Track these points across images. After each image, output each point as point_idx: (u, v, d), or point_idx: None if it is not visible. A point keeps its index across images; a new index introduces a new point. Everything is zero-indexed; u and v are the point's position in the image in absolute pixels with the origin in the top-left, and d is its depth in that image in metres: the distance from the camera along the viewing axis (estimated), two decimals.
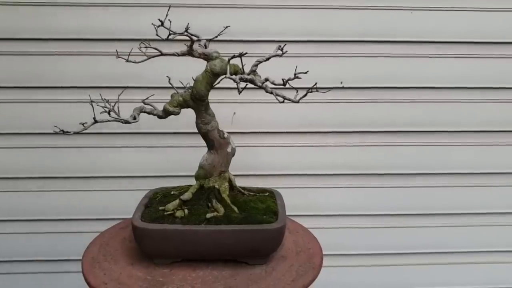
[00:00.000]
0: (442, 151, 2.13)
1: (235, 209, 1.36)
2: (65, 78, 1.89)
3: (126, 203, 1.93)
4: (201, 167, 1.40)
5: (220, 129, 1.40)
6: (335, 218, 2.13)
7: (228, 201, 1.38)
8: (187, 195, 1.37)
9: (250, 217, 1.31)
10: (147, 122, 1.80)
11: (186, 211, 1.33)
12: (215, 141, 1.38)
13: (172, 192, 1.45)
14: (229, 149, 1.41)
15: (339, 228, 2.14)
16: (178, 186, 1.53)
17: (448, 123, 2.08)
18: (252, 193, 1.48)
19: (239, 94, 1.15)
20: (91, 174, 1.99)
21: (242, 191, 1.47)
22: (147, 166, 1.99)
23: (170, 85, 1.37)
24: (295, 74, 1.19)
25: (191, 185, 1.49)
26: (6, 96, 1.89)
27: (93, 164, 1.97)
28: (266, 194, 1.48)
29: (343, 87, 2.05)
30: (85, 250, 1.43)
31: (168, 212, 1.33)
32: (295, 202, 1.76)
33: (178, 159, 1.99)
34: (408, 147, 2.14)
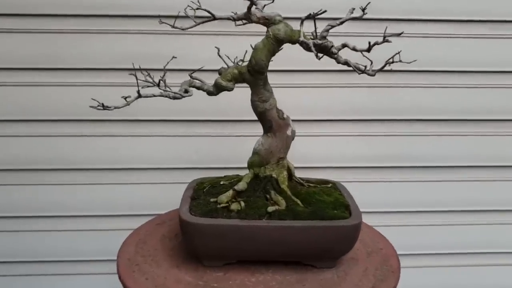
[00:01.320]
0: (499, 141, 1.92)
1: (299, 202, 1.15)
2: (87, 58, 1.68)
3: (156, 198, 1.73)
4: (255, 152, 1.19)
5: (279, 109, 1.20)
6: (391, 215, 1.93)
7: (289, 193, 1.18)
8: (241, 185, 1.16)
9: (319, 212, 1.11)
10: (179, 107, 1.60)
11: (242, 203, 1.12)
12: (273, 122, 1.18)
13: (221, 182, 1.24)
14: (289, 132, 1.20)
15: (400, 226, 1.93)
16: (224, 176, 1.32)
17: (505, 111, 1.88)
18: (312, 184, 1.27)
19: (319, 59, 0.94)
20: (115, 166, 1.78)
21: (301, 181, 1.26)
22: (179, 157, 1.78)
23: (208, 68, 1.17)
24: (384, 38, 0.99)
25: (239, 175, 1.29)
26: (24, 79, 1.67)
27: (117, 154, 1.76)
28: (329, 185, 1.27)
29: (391, 70, 1.85)
30: (119, 249, 1.23)
31: (222, 205, 1.12)
32: None
33: (217, 148, 1.78)
34: (461, 137, 1.93)
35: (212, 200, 1.15)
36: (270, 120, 1.18)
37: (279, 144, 1.19)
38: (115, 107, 1.01)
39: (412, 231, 1.95)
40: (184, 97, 1.07)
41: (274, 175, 1.20)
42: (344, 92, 1.81)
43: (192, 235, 1.08)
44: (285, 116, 1.20)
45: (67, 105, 1.70)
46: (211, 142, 1.81)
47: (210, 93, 1.16)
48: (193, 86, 1.13)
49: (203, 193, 1.22)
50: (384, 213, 1.94)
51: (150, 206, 1.76)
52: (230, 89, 1.14)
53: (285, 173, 1.22)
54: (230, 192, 1.16)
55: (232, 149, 1.81)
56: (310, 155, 1.87)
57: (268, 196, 1.16)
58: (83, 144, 1.74)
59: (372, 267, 1.15)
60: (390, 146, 1.88)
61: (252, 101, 1.18)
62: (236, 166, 1.51)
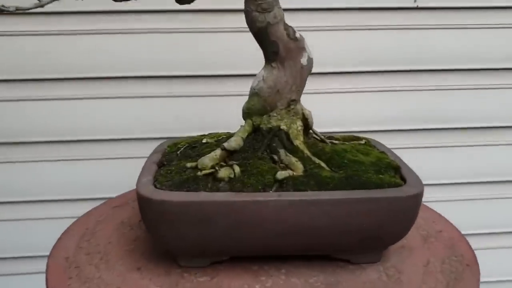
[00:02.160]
0: None
1: (323, 164, 0.74)
2: None
3: (123, 176, 1.31)
4: (255, 93, 0.78)
5: (289, 25, 0.78)
6: (441, 187, 1.53)
7: (307, 152, 0.77)
8: (234, 142, 0.75)
9: (356, 177, 0.70)
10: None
11: (237, 168, 0.71)
12: (279, 44, 0.76)
13: (204, 140, 0.83)
14: (303, 60, 0.79)
15: (454, 201, 1.54)
16: (208, 134, 0.91)
17: None
18: (337, 142, 0.86)
19: None
20: (66, 137, 1.36)
21: (322, 137, 0.85)
22: (154, 124, 1.35)
23: None
24: None
25: (229, 132, 0.88)
26: None
27: (68, 122, 1.34)
28: (362, 141, 0.87)
29: (417, 7, 1.44)
30: (54, 245, 0.82)
31: (205, 171, 0.71)
32: None
33: (202, 112, 1.36)
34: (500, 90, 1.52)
35: (189, 165, 0.74)
36: (274, 41, 0.77)
37: (290, 79, 0.78)
38: (17, 8, 0.59)
39: (468, 206, 1.54)
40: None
41: (283, 127, 0.79)
42: (358, 35, 1.40)
43: (158, 220, 0.68)
44: (297, 35, 0.78)
45: None
46: (194, 104, 1.38)
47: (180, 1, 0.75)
48: None
49: (176, 157, 0.80)
50: (432, 186, 1.53)
51: (113, 188, 1.34)
52: None
53: (299, 123, 0.81)
54: (218, 152, 0.75)
55: (222, 112, 1.38)
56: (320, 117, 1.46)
57: (275, 158, 0.75)
58: (10, 110, 1.31)
59: (435, 259, 0.76)
60: (422, 103, 1.48)
61: (247, 12, 0.76)
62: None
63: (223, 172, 0.71)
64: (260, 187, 0.69)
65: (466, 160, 1.51)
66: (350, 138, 0.90)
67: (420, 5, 1.44)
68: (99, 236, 0.84)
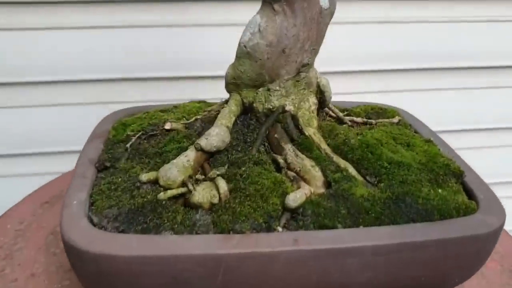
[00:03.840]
0: None
1: (351, 169, 0.48)
2: None
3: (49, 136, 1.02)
4: (245, 54, 0.49)
5: None
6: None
7: (325, 147, 0.50)
8: (216, 138, 0.47)
9: (409, 199, 0.45)
10: None
11: (223, 185, 0.43)
12: None
13: (167, 124, 0.54)
14: (322, 0, 0.49)
15: None
16: (174, 106, 0.62)
17: None
18: (360, 119, 0.59)
19: None
20: None
21: (338, 113, 0.58)
22: (96, 62, 1.01)
23: None
24: None
25: (206, 102, 0.60)
26: None
27: None
28: (395, 120, 0.60)
29: None
30: None
31: (172, 193, 0.44)
32: None
33: (170, 50, 1.02)
34: None
35: (145, 178, 0.46)
36: None
37: (302, 30, 0.49)
38: None
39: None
40: None
41: (289, 108, 0.51)
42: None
43: (97, 281, 0.41)
44: None
45: None
46: (157, 38, 1.03)
47: None
48: None
49: (125, 152, 0.52)
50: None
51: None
52: None
53: (312, 100, 0.53)
54: (191, 154, 0.47)
55: (196, 50, 1.04)
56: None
57: (279, 159, 0.48)
58: None
59: None
60: (428, 38, 1.18)
61: None
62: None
63: (202, 194, 0.44)
64: (261, 222, 0.42)
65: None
66: (375, 111, 0.64)
67: None
68: (18, 261, 0.58)
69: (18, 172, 1.04)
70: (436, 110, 1.15)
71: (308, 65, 0.52)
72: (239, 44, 0.51)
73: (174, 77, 1.02)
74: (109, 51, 0.98)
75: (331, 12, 0.51)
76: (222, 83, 1.00)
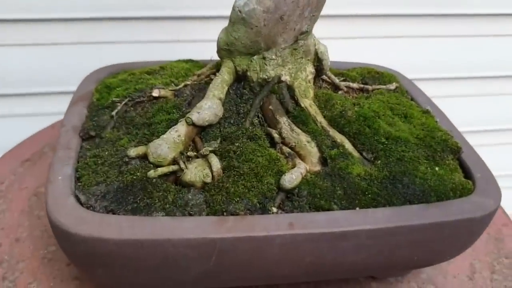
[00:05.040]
0: None
1: (347, 145, 0.47)
2: None
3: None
4: (240, 19, 0.46)
5: None
6: None
7: (321, 119, 0.49)
8: (208, 112, 0.45)
9: (407, 179, 0.44)
10: None
11: (215, 162, 0.42)
12: None
13: (155, 92, 0.51)
14: None
15: None
16: (160, 67, 0.59)
17: None
18: (356, 85, 0.57)
19: None
20: None
21: (335, 80, 0.56)
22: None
23: None
24: None
25: (195, 61, 0.57)
26: None
27: None
28: (392, 87, 0.58)
29: None
30: None
31: (162, 170, 0.42)
32: None
33: None
34: None
35: (133, 153, 0.44)
36: None
37: None
38: None
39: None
40: None
41: (285, 78, 0.48)
42: None
43: (89, 263, 0.40)
44: None
45: None
46: None
47: None
48: None
49: (110, 120, 0.49)
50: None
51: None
52: None
53: (309, 69, 0.51)
54: (182, 129, 0.44)
55: None
56: None
57: (274, 133, 0.47)
58: None
59: (482, 264, 0.55)
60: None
61: None
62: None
63: (194, 173, 0.42)
64: (256, 202, 0.41)
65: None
66: (372, 75, 0.62)
67: None
68: (2, 225, 0.56)
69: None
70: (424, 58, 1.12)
71: (307, 33, 0.49)
72: (233, 8, 0.47)
73: (157, 17, 0.96)
74: None
75: None
76: (207, 25, 0.96)
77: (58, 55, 0.96)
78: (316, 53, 0.51)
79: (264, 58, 0.49)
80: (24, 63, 0.95)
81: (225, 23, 0.50)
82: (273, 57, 0.49)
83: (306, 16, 0.47)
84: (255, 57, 0.49)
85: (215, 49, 0.51)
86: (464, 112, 1.18)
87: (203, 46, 0.86)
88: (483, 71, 1.16)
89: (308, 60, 0.51)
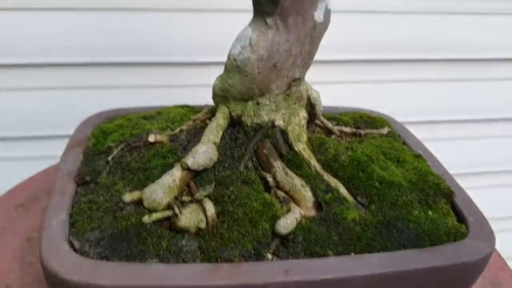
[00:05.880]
0: None
1: (342, 190, 0.47)
2: None
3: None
4: (235, 67, 0.47)
5: None
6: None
7: (315, 163, 0.49)
8: (203, 156, 0.46)
9: (400, 224, 0.44)
10: None
11: (210, 207, 0.42)
12: None
13: (151, 138, 0.52)
14: (318, 14, 0.47)
15: None
16: (156, 112, 0.60)
17: None
18: (349, 130, 0.58)
19: None
20: None
21: (329, 125, 0.57)
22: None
23: None
24: None
25: (191, 107, 0.58)
26: None
27: None
28: (384, 131, 0.59)
29: None
30: None
31: (156, 216, 0.42)
32: None
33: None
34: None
35: (128, 198, 0.44)
36: None
37: (295, 45, 0.47)
38: None
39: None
40: None
41: (279, 123, 0.49)
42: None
43: None
44: None
45: None
46: (137, 22, 0.98)
47: None
48: None
49: (106, 166, 0.50)
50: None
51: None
52: None
53: (302, 114, 0.52)
54: (177, 173, 0.45)
55: (176, 35, 1.00)
56: None
57: (268, 178, 0.47)
58: None
59: None
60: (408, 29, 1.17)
61: None
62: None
63: (188, 218, 0.42)
64: (251, 248, 0.41)
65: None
66: (364, 119, 0.63)
67: None
68: None
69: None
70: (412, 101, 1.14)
71: (300, 79, 0.50)
72: (228, 57, 0.48)
73: (154, 62, 0.98)
74: (86, 33, 0.93)
75: (325, 26, 0.49)
76: (201, 70, 0.98)
77: (53, 99, 0.97)
78: (308, 99, 0.52)
79: (258, 103, 0.50)
80: (18, 107, 0.97)
81: (219, 68, 0.51)
82: (267, 102, 0.50)
83: (299, 64, 0.49)
84: (249, 102, 0.50)
85: (210, 94, 0.52)
86: (455, 155, 1.19)
87: (198, 90, 0.88)
88: (472, 114, 1.18)
89: (301, 105, 0.52)
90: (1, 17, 0.88)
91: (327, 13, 0.48)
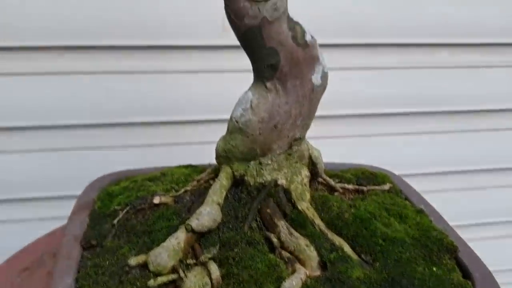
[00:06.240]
0: None
1: (346, 248, 0.47)
2: None
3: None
4: (237, 129, 0.49)
5: (295, 20, 0.48)
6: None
7: (319, 222, 0.50)
8: (207, 217, 0.46)
9: (405, 282, 0.44)
10: None
11: (215, 270, 0.42)
12: (281, 53, 0.46)
13: (155, 198, 0.52)
14: (316, 77, 0.49)
15: None
16: (161, 173, 0.61)
17: None
18: (351, 186, 0.59)
19: None
20: None
21: (331, 183, 0.58)
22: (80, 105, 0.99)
23: None
24: None
25: (194, 166, 0.59)
26: None
27: None
28: (386, 187, 0.60)
29: None
30: None
31: (162, 280, 0.42)
32: None
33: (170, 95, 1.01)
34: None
35: (134, 262, 0.44)
36: (273, 49, 0.46)
37: (294, 107, 0.49)
38: None
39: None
40: None
41: (282, 182, 0.50)
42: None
43: None
44: (308, 37, 0.48)
45: None
46: (140, 84, 1.01)
47: None
48: None
49: (112, 229, 0.50)
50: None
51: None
52: None
53: (304, 173, 0.53)
54: (181, 236, 0.45)
55: (178, 96, 1.03)
56: None
57: (273, 238, 0.47)
58: None
59: None
60: (409, 82, 1.20)
61: (230, 0, 0.45)
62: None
63: (193, 282, 0.42)
64: None
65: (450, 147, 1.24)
66: (366, 176, 0.64)
67: None
68: None
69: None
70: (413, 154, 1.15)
71: (300, 139, 0.52)
72: (230, 119, 0.50)
73: (156, 122, 1.00)
74: (92, 96, 0.96)
75: (323, 88, 0.51)
76: (204, 128, 1.00)
77: (58, 160, 0.99)
78: (310, 157, 0.54)
79: (260, 163, 0.51)
80: (23, 168, 0.98)
81: (221, 125, 0.53)
82: (269, 162, 0.51)
83: (299, 125, 0.51)
84: (251, 162, 0.51)
85: (213, 150, 0.54)
86: (459, 206, 1.19)
87: (201, 148, 0.90)
88: (472, 165, 1.19)
89: (302, 164, 0.53)
90: (9, 81, 0.91)
91: (325, 76, 0.51)
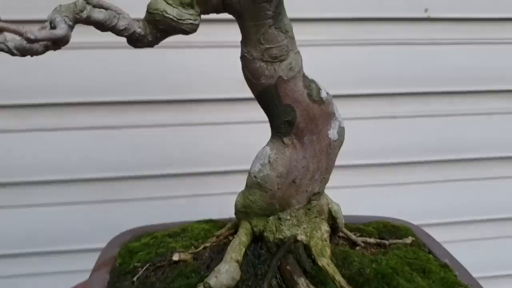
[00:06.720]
0: None
1: None
2: None
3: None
4: (256, 184, 0.49)
5: (310, 77, 0.49)
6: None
7: (340, 279, 0.49)
8: (226, 275, 0.46)
9: None
10: None
11: None
12: (297, 109, 0.47)
13: (175, 257, 0.52)
14: (332, 133, 0.50)
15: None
16: (181, 229, 0.61)
17: None
18: (373, 240, 0.58)
19: None
20: None
21: (352, 237, 0.57)
22: (99, 161, 1.01)
23: None
24: None
25: (212, 220, 0.59)
26: None
27: None
28: (408, 240, 0.59)
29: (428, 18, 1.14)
30: None
31: None
32: None
33: (177, 149, 1.03)
34: None
35: None
36: (289, 106, 0.48)
37: (311, 162, 0.49)
38: None
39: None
40: (50, 49, 0.34)
41: (301, 238, 0.50)
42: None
43: None
44: (323, 94, 0.49)
45: None
46: (164, 137, 1.02)
47: (138, 41, 0.44)
48: (88, 20, 0.40)
49: (132, 285, 0.50)
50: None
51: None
52: (189, 28, 0.42)
53: (324, 228, 0.52)
54: None
55: (200, 148, 1.04)
56: None
57: None
58: None
59: None
60: (428, 131, 1.19)
61: (246, 60, 0.46)
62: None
63: None
64: None
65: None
66: (388, 229, 0.63)
67: (432, 15, 1.13)
68: None
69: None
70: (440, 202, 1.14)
71: (319, 193, 0.52)
72: (249, 174, 0.51)
73: (180, 174, 1.02)
74: (115, 151, 0.98)
75: (340, 142, 0.51)
76: (225, 178, 1.01)
77: (81, 214, 1.01)
78: (330, 212, 0.53)
79: (279, 218, 0.51)
80: (45, 223, 1.00)
81: (241, 176, 0.53)
82: (288, 217, 0.51)
83: (317, 179, 0.51)
84: (270, 218, 0.51)
85: (233, 202, 0.54)
86: (481, 256, 1.15)
87: (227, 198, 0.90)
88: (497, 214, 1.16)
89: (322, 219, 0.53)
90: (33, 136, 0.95)
91: (341, 131, 0.51)
